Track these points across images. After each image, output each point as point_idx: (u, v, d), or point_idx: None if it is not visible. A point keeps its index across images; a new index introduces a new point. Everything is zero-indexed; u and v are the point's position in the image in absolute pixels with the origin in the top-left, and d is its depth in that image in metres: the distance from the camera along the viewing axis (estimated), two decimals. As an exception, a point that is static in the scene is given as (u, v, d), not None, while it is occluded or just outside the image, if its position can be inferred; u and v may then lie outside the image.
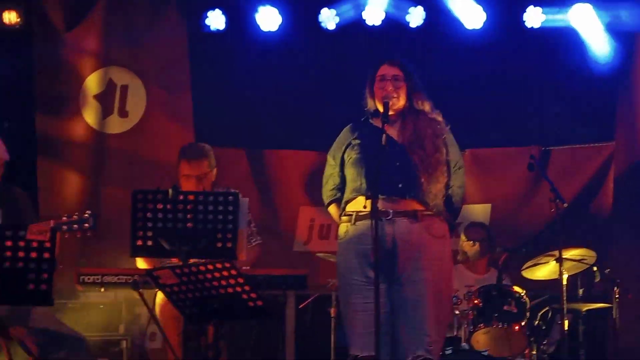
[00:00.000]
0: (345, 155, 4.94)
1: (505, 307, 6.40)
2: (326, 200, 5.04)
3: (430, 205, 4.81)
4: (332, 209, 5.04)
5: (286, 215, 8.16)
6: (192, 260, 4.73)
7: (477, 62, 7.98)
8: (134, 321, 7.24)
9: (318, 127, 8.18)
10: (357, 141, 4.93)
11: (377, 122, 4.88)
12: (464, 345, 6.35)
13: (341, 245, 4.89)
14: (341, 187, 4.97)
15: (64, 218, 5.21)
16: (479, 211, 7.82)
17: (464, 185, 5.10)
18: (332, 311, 6.70)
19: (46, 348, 5.08)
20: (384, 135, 4.65)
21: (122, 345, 6.96)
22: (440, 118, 4.99)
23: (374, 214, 4.53)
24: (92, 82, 8.03)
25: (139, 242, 4.90)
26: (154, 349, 7.27)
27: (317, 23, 7.87)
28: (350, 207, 4.88)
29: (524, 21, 7.79)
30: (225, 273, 4.37)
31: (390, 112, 4.88)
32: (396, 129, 4.93)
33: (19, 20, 7.83)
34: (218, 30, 7.93)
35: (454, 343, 6.26)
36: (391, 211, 4.76)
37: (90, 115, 8.02)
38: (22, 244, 4.25)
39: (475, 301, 6.43)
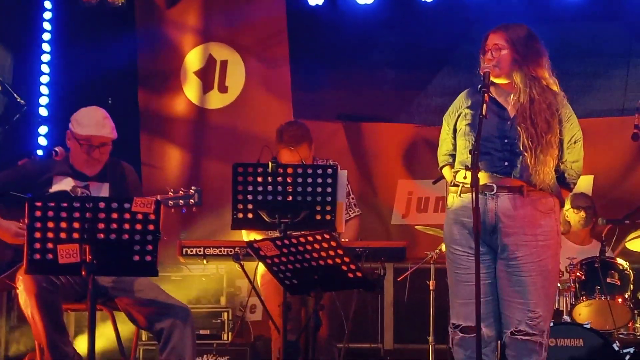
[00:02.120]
0: (457, 124, 4.86)
1: (608, 280, 6.31)
2: (440, 163, 4.98)
3: (538, 187, 4.72)
4: (446, 172, 4.96)
5: (384, 188, 8.16)
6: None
7: (579, 31, 7.85)
8: (235, 293, 7.35)
9: (415, 100, 8.17)
10: (469, 110, 4.82)
11: (492, 92, 4.77)
12: (566, 318, 6.28)
13: (447, 215, 4.86)
14: (453, 153, 4.90)
15: (170, 193, 5.30)
16: (581, 182, 7.57)
17: (581, 160, 4.90)
18: (431, 284, 6.68)
19: (152, 317, 5.18)
20: (484, 106, 4.56)
21: (223, 317, 7.07)
22: (556, 87, 4.82)
23: (475, 187, 4.47)
24: (193, 58, 8.15)
25: (240, 215, 4.96)
26: (255, 321, 7.38)
27: (414, -6, 7.83)
28: (458, 178, 4.81)
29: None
30: (325, 244, 4.39)
31: (501, 81, 4.79)
32: (511, 100, 4.79)
33: (122, -2, 8.01)
34: (317, 5, 7.94)
35: (555, 316, 6.20)
36: (495, 186, 4.70)
37: (190, 91, 8.16)
38: (127, 216, 4.33)
39: (578, 273, 6.35)
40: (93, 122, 5.38)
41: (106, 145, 5.40)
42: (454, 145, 4.89)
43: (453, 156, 4.90)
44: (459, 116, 4.88)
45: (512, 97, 4.80)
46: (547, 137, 4.72)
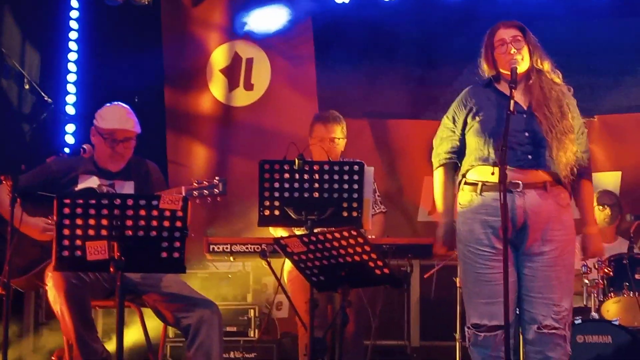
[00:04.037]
0: (468, 120, 4.82)
1: (636, 276, 6.29)
2: (438, 162, 4.93)
3: (563, 176, 4.70)
4: (440, 172, 4.93)
5: (410, 185, 8.14)
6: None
7: (605, 27, 7.81)
8: (262, 290, 7.36)
9: (441, 97, 8.14)
10: (479, 107, 4.80)
11: (501, 87, 4.78)
12: (594, 314, 6.26)
13: (464, 214, 4.79)
14: (459, 151, 4.88)
15: (195, 184, 5.30)
16: (608, 179, 7.65)
17: (589, 150, 4.91)
18: (458, 281, 6.66)
19: (179, 314, 5.19)
20: (512, 102, 4.53)
21: (250, 314, 7.08)
22: (559, 80, 4.82)
23: (503, 183, 4.43)
24: (218, 56, 8.17)
25: (267, 212, 4.96)
26: (282, 318, 7.39)
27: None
28: (473, 176, 4.77)
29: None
30: (352, 241, 4.38)
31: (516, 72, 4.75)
32: (520, 93, 4.78)
33: (148, -4, 8.05)
34: (343, 2, 7.95)
35: (583, 313, 6.17)
36: (521, 183, 4.67)
37: (216, 89, 8.18)
38: (155, 213, 4.34)
39: (606, 270, 6.32)
40: (117, 116, 5.41)
41: (130, 140, 5.42)
42: (461, 141, 4.86)
43: (456, 154, 4.87)
44: (469, 112, 4.83)
45: (522, 88, 4.77)
46: (563, 122, 4.71)
